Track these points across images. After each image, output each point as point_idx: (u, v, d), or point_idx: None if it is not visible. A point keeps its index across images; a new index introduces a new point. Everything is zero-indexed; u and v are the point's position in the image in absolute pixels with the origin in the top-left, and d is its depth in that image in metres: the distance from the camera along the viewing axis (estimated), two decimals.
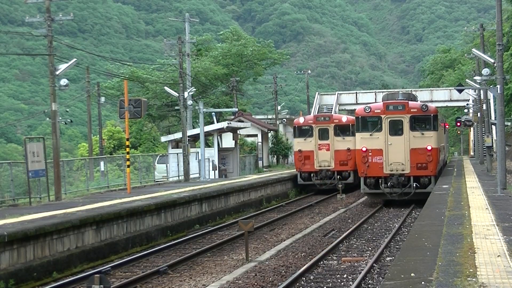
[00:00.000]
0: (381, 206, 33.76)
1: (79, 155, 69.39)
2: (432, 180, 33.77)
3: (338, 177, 42.66)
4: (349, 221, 28.72)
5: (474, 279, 11.30)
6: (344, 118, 44.09)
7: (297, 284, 16.25)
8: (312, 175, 43.19)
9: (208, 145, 50.67)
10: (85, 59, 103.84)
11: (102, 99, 60.64)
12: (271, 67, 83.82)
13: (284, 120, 73.21)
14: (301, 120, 44.48)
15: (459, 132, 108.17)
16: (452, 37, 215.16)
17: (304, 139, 43.13)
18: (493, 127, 47.54)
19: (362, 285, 15.97)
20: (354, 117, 37.66)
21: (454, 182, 35.06)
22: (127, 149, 32.43)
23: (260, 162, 61.21)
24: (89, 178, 40.16)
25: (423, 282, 11.29)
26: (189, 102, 47.13)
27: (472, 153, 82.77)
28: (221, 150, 51.21)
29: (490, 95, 53.66)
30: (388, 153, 33.55)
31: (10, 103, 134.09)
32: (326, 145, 43.03)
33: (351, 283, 16.21)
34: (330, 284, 16.26)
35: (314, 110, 79.19)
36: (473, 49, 45.90)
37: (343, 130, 43.08)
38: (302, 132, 43.64)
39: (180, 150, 45.95)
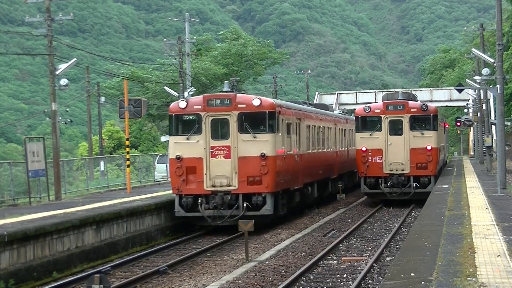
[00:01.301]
0: (381, 206, 33.75)
1: (79, 155, 69.42)
2: (432, 180, 33.76)
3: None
4: (349, 221, 28.72)
5: (474, 279, 11.30)
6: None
7: (297, 284, 16.25)
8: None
9: None
10: (85, 59, 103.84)
11: (102, 99, 60.67)
12: (271, 67, 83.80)
13: None
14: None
15: (459, 132, 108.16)
16: (452, 37, 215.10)
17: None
18: (493, 127, 47.53)
19: (362, 285, 15.97)
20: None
21: (454, 182, 35.06)
22: (127, 149, 32.44)
23: None
24: (89, 178, 40.16)
25: (423, 282, 11.30)
26: None
27: (472, 153, 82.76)
28: None
29: (490, 95, 53.65)
30: (388, 153, 33.54)
31: (10, 103, 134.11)
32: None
33: (351, 283, 16.21)
34: (330, 284, 16.26)
35: None
36: (473, 49, 45.93)
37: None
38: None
39: None
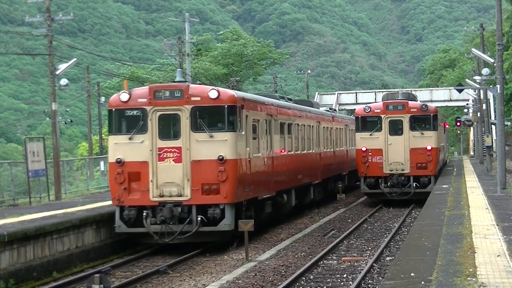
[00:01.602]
0: (381, 206, 33.75)
1: (79, 155, 69.45)
2: (432, 180, 33.77)
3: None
4: (349, 221, 28.72)
5: (474, 279, 11.30)
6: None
7: (297, 284, 16.25)
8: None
9: None
10: (85, 59, 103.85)
11: (102, 99, 60.64)
12: (271, 67, 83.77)
13: None
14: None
15: (459, 132, 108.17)
16: (452, 37, 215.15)
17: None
18: (493, 127, 47.54)
19: (362, 285, 15.97)
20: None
21: (454, 182, 35.06)
22: None
23: None
24: (89, 178, 40.15)
25: (423, 282, 11.30)
26: None
27: (472, 153, 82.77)
28: None
29: (490, 95, 53.66)
30: (388, 153, 33.54)
31: (10, 103, 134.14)
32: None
33: (351, 283, 16.21)
34: (330, 284, 16.26)
35: None
36: (473, 49, 45.97)
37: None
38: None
39: None
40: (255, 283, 16.07)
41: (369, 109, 34.17)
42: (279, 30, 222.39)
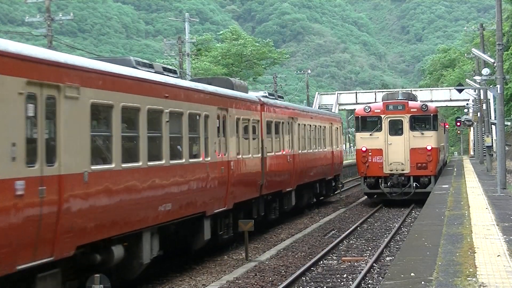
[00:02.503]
0: (381, 206, 33.76)
1: None
2: (432, 180, 33.77)
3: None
4: (349, 221, 28.72)
5: (474, 279, 11.30)
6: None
7: (297, 284, 16.25)
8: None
9: None
10: None
11: None
12: (271, 67, 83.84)
13: None
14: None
15: (459, 132, 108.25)
16: (452, 37, 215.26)
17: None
18: (493, 127, 47.56)
19: (362, 285, 15.97)
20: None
21: (454, 182, 35.09)
22: None
23: None
24: None
25: (423, 282, 11.30)
26: None
27: (472, 153, 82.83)
28: None
29: (490, 95, 53.68)
30: (388, 153, 33.54)
31: None
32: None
33: (351, 283, 16.20)
34: (330, 284, 16.26)
35: None
36: (473, 49, 45.97)
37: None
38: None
39: None
40: (255, 283, 16.07)
41: (369, 109, 34.17)
42: (279, 30, 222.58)
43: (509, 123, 56.74)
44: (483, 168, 49.27)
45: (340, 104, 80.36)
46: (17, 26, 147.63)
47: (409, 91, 53.20)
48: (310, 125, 31.89)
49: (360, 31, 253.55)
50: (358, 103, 68.65)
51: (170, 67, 18.57)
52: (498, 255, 13.56)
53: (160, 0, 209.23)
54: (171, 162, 15.86)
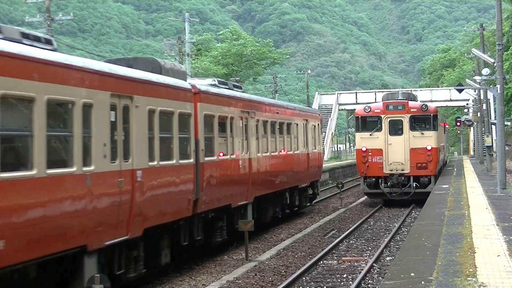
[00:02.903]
0: (381, 206, 33.76)
1: None
2: (432, 180, 33.77)
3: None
4: (349, 221, 28.72)
5: (474, 279, 11.30)
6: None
7: (297, 284, 16.25)
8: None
9: None
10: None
11: None
12: (271, 67, 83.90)
13: None
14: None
15: (459, 132, 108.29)
16: (452, 37, 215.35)
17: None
18: (493, 127, 47.56)
19: (362, 285, 15.97)
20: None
21: (454, 182, 35.10)
22: None
23: None
24: None
25: (423, 282, 11.30)
26: None
27: (472, 153, 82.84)
28: None
29: (490, 95, 53.70)
30: (388, 153, 33.54)
31: None
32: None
33: (351, 283, 16.21)
34: (330, 284, 16.26)
35: None
36: (473, 49, 45.96)
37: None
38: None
39: None
40: (255, 283, 16.07)
41: (369, 109, 34.16)
42: (279, 30, 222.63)
43: (509, 123, 56.75)
44: (483, 168, 49.28)
45: (340, 104, 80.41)
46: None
47: (409, 91, 53.21)
48: (276, 122, 25.84)
49: (360, 31, 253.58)
50: (358, 103, 68.68)
51: None
52: (498, 255, 13.56)
53: (160, 0, 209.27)
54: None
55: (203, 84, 20.03)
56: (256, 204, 23.27)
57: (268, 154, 24.46)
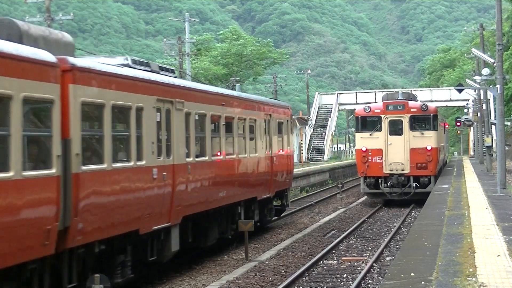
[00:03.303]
0: (381, 206, 33.77)
1: None
2: (432, 180, 33.78)
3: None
4: (349, 221, 28.73)
5: (474, 279, 11.31)
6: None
7: (297, 284, 16.25)
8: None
9: None
10: None
11: None
12: (271, 67, 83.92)
13: None
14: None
15: (459, 132, 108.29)
16: (452, 37, 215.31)
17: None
18: (493, 127, 47.56)
19: (362, 284, 15.97)
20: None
21: (454, 182, 35.10)
22: None
23: None
24: None
25: (423, 282, 11.30)
26: None
27: (472, 153, 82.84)
28: None
29: (490, 95, 53.69)
30: (388, 153, 33.54)
31: None
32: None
33: (351, 282, 16.21)
34: (330, 284, 16.26)
35: (314, 110, 79.33)
36: (473, 49, 45.97)
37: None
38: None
39: None
40: (255, 283, 16.08)
41: (369, 109, 34.16)
42: (279, 30, 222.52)
43: (509, 123, 56.75)
44: (483, 168, 49.28)
45: (340, 104, 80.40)
46: None
47: (409, 91, 53.25)
48: (220, 117, 19.85)
49: (360, 31, 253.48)
50: (358, 103, 68.67)
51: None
52: (498, 255, 13.56)
53: (160, 0, 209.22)
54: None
55: (102, 62, 14.32)
56: (192, 224, 18.05)
57: (206, 158, 18.55)
